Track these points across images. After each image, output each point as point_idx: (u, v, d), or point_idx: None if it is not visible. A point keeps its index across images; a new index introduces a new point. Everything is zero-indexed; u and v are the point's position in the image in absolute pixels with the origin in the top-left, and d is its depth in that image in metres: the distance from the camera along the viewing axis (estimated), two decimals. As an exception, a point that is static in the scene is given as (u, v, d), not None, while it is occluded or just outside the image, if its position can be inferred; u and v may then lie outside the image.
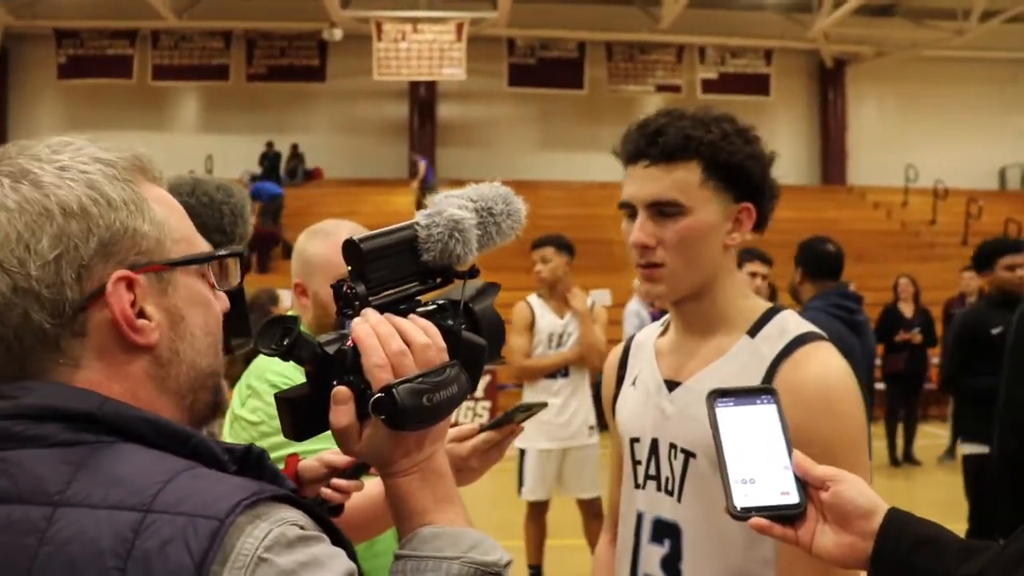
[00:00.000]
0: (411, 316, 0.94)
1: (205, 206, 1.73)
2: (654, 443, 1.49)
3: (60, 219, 0.79)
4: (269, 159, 17.88)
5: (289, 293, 2.04)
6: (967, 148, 18.85)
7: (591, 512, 4.95)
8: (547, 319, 4.82)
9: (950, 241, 16.24)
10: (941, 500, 4.14)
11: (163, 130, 18.55)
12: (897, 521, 1.02)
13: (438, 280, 0.98)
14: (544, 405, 1.39)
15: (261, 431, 1.79)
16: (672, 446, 1.46)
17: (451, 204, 0.98)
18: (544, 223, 16.17)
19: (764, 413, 1.09)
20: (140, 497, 0.73)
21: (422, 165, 16.86)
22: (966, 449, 4.50)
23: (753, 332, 1.43)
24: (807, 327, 1.43)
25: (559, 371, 4.82)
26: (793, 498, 1.04)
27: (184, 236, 0.87)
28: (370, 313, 0.92)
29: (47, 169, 0.81)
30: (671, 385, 1.48)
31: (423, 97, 18.94)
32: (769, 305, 1.48)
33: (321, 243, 1.95)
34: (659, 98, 19.28)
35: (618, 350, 1.67)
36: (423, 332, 0.92)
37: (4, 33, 17.57)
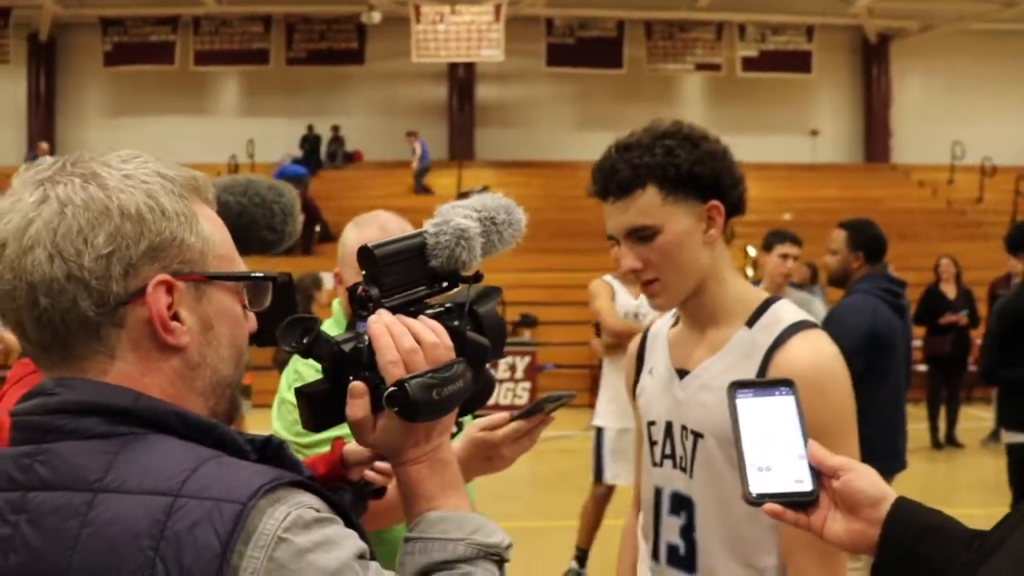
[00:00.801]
0: (421, 317, 1.01)
1: (257, 205, 1.82)
2: (668, 425, 1.65)
3: (118, 219, 0.86)
4: (309, 142, 18.03)
5: (331, 276, 2.13)
6: (1016, 124, 18.37)
7: None
8: (623, 297, 4.84)
9: (998, 220, 15.90)
10: (983, 483, 4.10)
11: (205, 114, 18.78)
12: (904, 510, 1.07)
13: (445, 284, 1.06)
14: (573, 395, 1.44)
15: None
16: (684, 428, 1.61)
17: (457, 214, 1.06)
18: (582, 204, 16.12)
19: (782, 404, 1.15)
20: (170, 483, 0.81)
21: (418, 146, 16.87)
22: (1008, 438, 4.45)
23: (751, 323, 1.57)
24: (800, 316, 1.56)
25: None
26: (807, 486, 1.10)
27: (226, 254, 0.94)
28: (384, 313, 0.99)
29: (114, 175, 0.88)
30: (681, 373, 1.64)
31: (462, 78, 18.94)
32: (765, 296, 1.62)
33: (355, 233, 2.00)
34: (698, 77, 19.09)
35: (637, 341, 1.83)
36: (432, 332, 0.99)
37: (52, 22, 17.89)
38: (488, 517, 1.00)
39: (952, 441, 8.96)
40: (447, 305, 1.07)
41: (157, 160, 0.93)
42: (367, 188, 17.25)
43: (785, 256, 4.83)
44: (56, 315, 0.86)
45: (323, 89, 18.70)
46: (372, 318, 0.99)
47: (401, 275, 1.02)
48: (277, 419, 1.94)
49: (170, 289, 0.88)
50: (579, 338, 10.24)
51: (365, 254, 1.01)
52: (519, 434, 1.40)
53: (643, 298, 4.79)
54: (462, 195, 17.79)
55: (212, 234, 0.93)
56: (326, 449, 1.43)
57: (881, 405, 3.79)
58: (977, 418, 9.91)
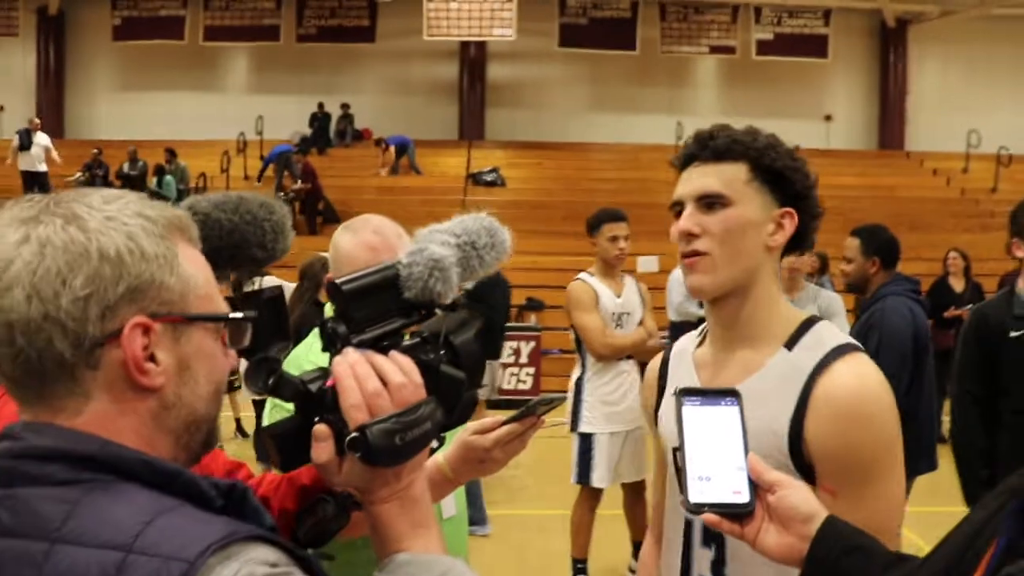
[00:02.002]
0: (391, 353, 0.99)
1: (248, 223, 1.81)
2: None
3: (96, 262, 0.87)
4: (319, 120, 17.97)
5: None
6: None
7: (636, 492, 4.83)
8: (607, 298, 4.65)
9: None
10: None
11: (214, 91, 18.73)
12: (832, 528, 1.11)
13: (422, 313, 1.04)
14: (564, 398, 1.42)
15: None
16: None
17: (434, 240, 1.04)
18: (593, 186, 16.14)
19: (727, 415, 1.16)
20: (124, 537, 0.81)
21: (392, 149, 16.66)
22: None
23: (790, 344, 1.49)
24: (843, 338, 1.49)
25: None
26: (744, 497, 1.13)
27: (207, 294, 0.95)
28: (350, 353, 0.98)
29: (96, 216, 0.89)
30: None
31: (473, 57, 18.82)
32: (806, 315, 1.54)
33: (350, 239, 1.97)
34: (713, 60, 18.92)
35: (657, 361, 1.75)
36: (400, 371, 0.97)
37: (61, -6, 17.85)
38: (486, 503, 0.93)
39: (955, 436, 8.89)
40: (424, 335, 1.04)
41: (140, 200, 0.94)
42: (376, 167, 17.19)
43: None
44: (32, 354, 0.87)
45: (333, 66, 18.62)
46: (337, 359, 0.97)
47: (373, 308, 1.01)
48: (269, 419, 1.90)
49: (147, 331, 0.89)
50: (586, 322, 10.19)
51: (333, 289, 0.99)
52: (511, 437, 1.40)
53: (627, 296, 4.72)
54: (471, 176, 17.61)
55: (193, 275, 0.93)
56: None
57: (921, 405, 3.89)
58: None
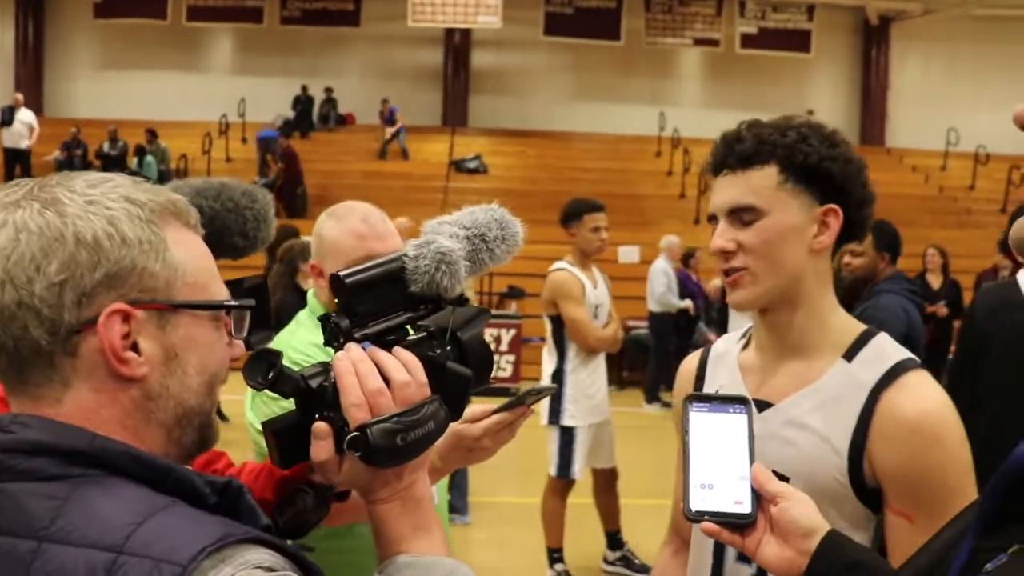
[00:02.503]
0: (395, 349, 0.96)
1: (230, 211, 1.80)
2: None
3: (72, 247, 0.84)
4: (302, 103, 17.85)
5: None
6: (1012, 113, 18.31)
7: (606, 482, 4.85)
8: (588, 289, 4.60)
9: (989, 208, 15.94)
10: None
11: (197, 72, 18.55)
12: (833, 544, 1.08)
13: (428, 307, 1.01)
14: (553, 388, 1.45)
15: (281, 406, 1.80)
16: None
17: (443, 232, 1.01)
18: (575, 175, 16.13)
19: (734, 423, 1.13)
20: (115, 537, 0.78)
21: (399, 121, 16.81)
22: None
23: (849, 356, 1.40)
24: (905, 353, 1.41)
25: None
26: (745, 508, 1.09)
27: (198, 281, 0.90)
28: (352, 349, 0.95)
29: (76, 201, 0.86)
30: (760, 405, 1.43)
31: (457, 44, 18.75)
32: (864, 327, 1.45)
33: (334, 227, 1.95)
34: (696, 52, 18.95)
35: (694, 359, 1.64)
36: (404, 368, 0.94)
37: (41, -31, 17.59)
38: (471, 492, 0.94)
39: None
40: (430, 330, 1.01)
41: (135, 183, 0.90)
42: (358, 152, 17.11)
43: None
44: (8, 341, 0.85)
45: (317, 50, 18.49)
46: (338, 354, 0.95)
47: (377, 302, 0.98)
48: (251, 410, 1.88)
49: (127, 318, 0.85)
50: (566, 311, 10.22)
51: (336, 282, 0.96)
52: (500, 426, 1.39)
53: (601, 287, 4.69)
54: (454, 163, 17.56)
55: (183, 261, 0.89)
56: None
57: None
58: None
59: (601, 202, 4.69)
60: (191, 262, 0.90)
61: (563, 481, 4.68)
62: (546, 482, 4.76)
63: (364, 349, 0.95)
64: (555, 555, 4.79)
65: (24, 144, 14.73)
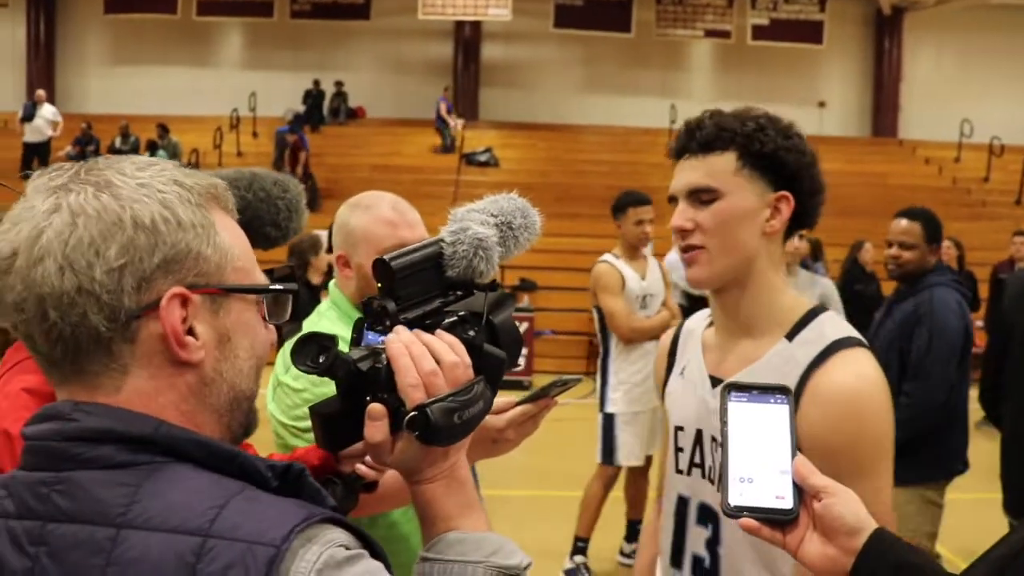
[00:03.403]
0: (438, 332, 0.99)
1: (262, 201, 1.80)
2: (698, 434, 1.57)
3: (131, 231, 0.83)
4: (313, 97, 17.86)
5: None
6: (1027, 103, 18.20)
7: (640, 470, 4.89)
8: (633, 280, 4.69)
9: (1003, 200, 15.82)
10: (977, 467, 4.08)
11: (207, 66, 18.58)
12: (880, 543, 1.03)
13: (459, 293, 1.04)
14: (579, 379, 1.41)
15: (304, 397, 1.81)
16: (713, 439, 1.53)
17: (474, 220, 1.04)
18: (586, 168, 16.10)
19: (776, 413, 1.08)
20: (199, 521, 0.78)
21: (443, 106, 16.93)
22: None
23: (791, 335, 1.48)
24: (845, 331, 1.47)
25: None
26: (787, 503, 1.04)
27: (244, 266, 0.91)
28: (402, 331, 0.97)
29: (129, 183, 0.85)
30: (714, 380, 1.55)
31: (468, 37, 18.72)
32: (811, 306, 1.52)
33: (363, 216, 1.94)
34: (708, 44, 18.86)
35: (669, 336, 1.75)
36: (451, 350, 0.97)
37: (52, -36, 17.65)
38: (481, 485, 0.95)
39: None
40: (461, 314, 1.03)
41: (176, 167, 0.90)
42: (369, 146, 17.11)
43: None
44: (66, 329, 0.83)
45: (327, 44, 18.49)
46: (390, 337, 0.97)
47: (417, 286, 1.00)
48: (272, 401, 1.88)
49: (185, 303, 0.85)
50: (578, 304, 10.19)
51: (381, 267, 0.98)
52: (524, 418, 1.39)
53: (652, 277, 4.75)
54: (464, 156, 17.55)
55: (231, 245, 0.89)
56: None
57: (964, 403, 3.74)
58: (972, 399, 9.88)
59: (647, 195, 4.73)
60: (237, 247, 0.90)
61: (608, 468, 4.76)
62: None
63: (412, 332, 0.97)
64: (579, 544, 4.82)
65: (48, 134, 15.16)
